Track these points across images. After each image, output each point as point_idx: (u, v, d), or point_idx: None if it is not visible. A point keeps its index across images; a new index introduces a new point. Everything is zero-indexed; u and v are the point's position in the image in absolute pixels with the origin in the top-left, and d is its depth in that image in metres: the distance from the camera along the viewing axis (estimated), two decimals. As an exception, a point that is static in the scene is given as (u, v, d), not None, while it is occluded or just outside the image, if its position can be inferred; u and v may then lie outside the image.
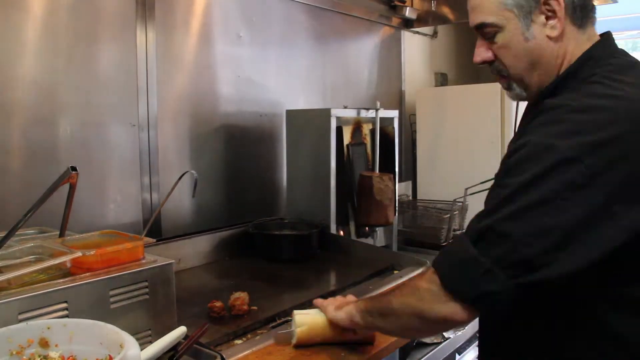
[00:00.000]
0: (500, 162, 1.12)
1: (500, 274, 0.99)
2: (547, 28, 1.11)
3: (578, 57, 1.13)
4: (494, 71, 1.21)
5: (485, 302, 1.02)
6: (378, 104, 2.61)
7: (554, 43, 1.12)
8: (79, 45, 1.92)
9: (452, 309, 1.06)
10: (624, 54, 1.16)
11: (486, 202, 1.09)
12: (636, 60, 1.15)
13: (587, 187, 0.96)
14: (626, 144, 0.97)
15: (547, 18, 1.11)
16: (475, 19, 1.18)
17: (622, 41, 5.11)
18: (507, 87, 1.22)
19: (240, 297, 1.66)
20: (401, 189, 3.36)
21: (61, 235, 1.44)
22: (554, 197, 0.96)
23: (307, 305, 1.63)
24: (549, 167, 0.97)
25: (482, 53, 1.19)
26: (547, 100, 1.07)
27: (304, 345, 1.38)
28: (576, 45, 1.14)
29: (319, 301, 1.44)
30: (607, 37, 1.18)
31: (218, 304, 1.65)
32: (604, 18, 4.97)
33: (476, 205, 3.38)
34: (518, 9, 1.11)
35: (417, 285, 1.15)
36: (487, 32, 1.17)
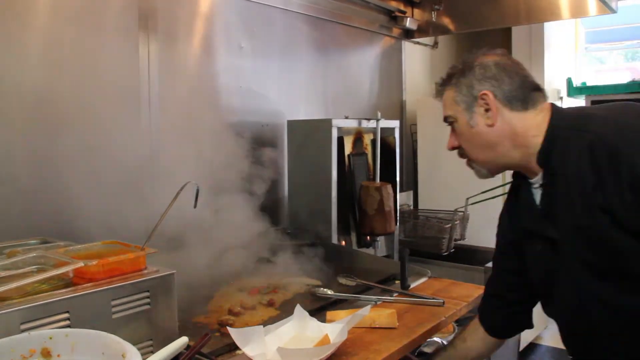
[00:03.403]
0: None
1: None
2: (485, 117, 1.40)
3: (547, 125, 1.37)
4: (460, 155, 1.51)
5: None
6: (379, 114, 2.62)
7: (491, 128, 1.40)
8: (82, 55, 1.93)
9: None
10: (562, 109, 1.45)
11: None
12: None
13: None
14: None
15: (486, 110, 1.40)
16: (443, 113, 1.49)
17: (621, 51, 5.13)
18: (470, 166, 1.51)
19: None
20: (402, 198, 3.36)
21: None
22: None
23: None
24: None
25: (451, 141, 1.50)
26: (592, 142, 1.25)
27: None
28: (530, 122, 1.39)
29: None
30: (554, 104, 1.44)
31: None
32: (603, 28, 5.02)
33: (477, 214, 3.38)
34: (463, 104, 1.42)
35: None
36: (449, 123, 1.48)
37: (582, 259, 1.29)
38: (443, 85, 1.49)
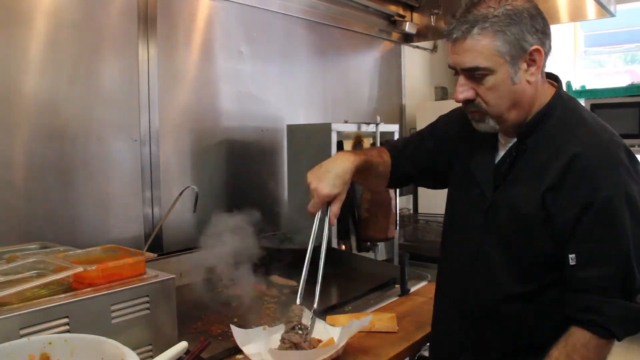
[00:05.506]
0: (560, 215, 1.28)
1: None
2: (527, 74, 1.29)
3: (548, 98, 1.35)
4: (472, 107, 1.35)
5: None
6: (378, 118, 2.62)
7: (531, 87, 1.31)
8: (82, 61, 1.94)
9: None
10: (570, 94, 1.49)
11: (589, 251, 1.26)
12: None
13: None
14: None
15: (528, 65, 1.28)
16: (467, 62, 1.28)
17: (620, 54, 5.14)
18: (480, 120, 1.36)
19: None
20: (402, 202, 3.36)
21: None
22: None
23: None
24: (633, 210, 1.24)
25: (465, 92, 1.32)
26: (577, 154, 1.26)
27: None
28: (541, 87, 1.35)
29: None
30: (559, 79, 1.41)
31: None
32: (602, 31, 5.02)
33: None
34: (509, 56, 1.26)
35: None
36: (477, 74, 1.29)
37: (498, 230, 1.37)
38: (471, 26, 1.26)
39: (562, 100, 1.37)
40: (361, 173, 1.58)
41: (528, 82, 1.29)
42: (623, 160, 1.26)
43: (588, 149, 1.26)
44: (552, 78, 1.42)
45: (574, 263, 1.25)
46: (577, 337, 1.26)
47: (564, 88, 1.42)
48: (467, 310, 1.46)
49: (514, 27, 1.24)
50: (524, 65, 1.28)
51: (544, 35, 1.28)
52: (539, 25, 1.27)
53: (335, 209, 1.52)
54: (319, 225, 1.56)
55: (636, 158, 1.29)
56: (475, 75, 1.29)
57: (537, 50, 1.27)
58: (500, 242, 1.38)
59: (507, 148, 1.40)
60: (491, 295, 1.39)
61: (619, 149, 1.28)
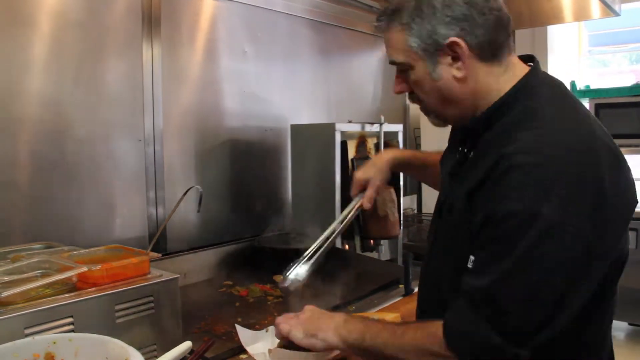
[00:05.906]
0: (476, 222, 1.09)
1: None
2: (453, 69, 1.13)
3: (507, 89, 1.14)
4: (414, 99, 1.25)
5: None
6: (382, 118, 2.61)
7: (461, 84, 1.14)
8: (86, 61, 1.94)
9: None
10: (551, 81, 1.20)
11: (479, 263, 1.08)
12: (563, 86, 1.19)
13: (574, 250, 0.99)
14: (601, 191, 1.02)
15: (453, 59, 1.12)
16: (388, 55, 1.21)
17: (625, 54, 5.12)
18: (425, 113, 1.27)
19: None
20: (406, 202, 3.36)
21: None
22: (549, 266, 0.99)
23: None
24: (539, 235, 0.98)
25: (398, 85, 1.23)
26: (505, 154, 1.04)
27: None
28: (494, 79, 1.15)
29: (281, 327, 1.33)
30: (535, 64, 1.20)
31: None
32: (607, 31, 5.01)
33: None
34: (423, 52, 1.13)
35: (423, 345, 1.11)
36: (399, 68, 1.21)
37: (440, 229, 1.31)
38: (386, 20, 1.18)
39: (526, 89, 1.14)
40: (412, 169, 1.74)
41: (455, 78, 1.14)
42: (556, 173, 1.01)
43: (517, 151, 1.03)
44: (530, 60, 1.23)
45: (470, 266, 1.08)
46: (434, 323, 1.10)
47: (568, 87, 1.23)
48: (423, 309, 1.41)
49: (423, 20, 1.11)
50: (447, 60, 1.13)
51: (467, 22, 1.09)
52: (457, 12, 1.09)
53: (368, 193, 1.63)
54: (348, 208, 1.67)
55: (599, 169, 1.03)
56: (398, 69, 1.21)
57: (455, 43, 1.10)
58: (440, 242, 1.30)
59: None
60: (438, 295, 1.28)
61: (566, 160, 1.01)
